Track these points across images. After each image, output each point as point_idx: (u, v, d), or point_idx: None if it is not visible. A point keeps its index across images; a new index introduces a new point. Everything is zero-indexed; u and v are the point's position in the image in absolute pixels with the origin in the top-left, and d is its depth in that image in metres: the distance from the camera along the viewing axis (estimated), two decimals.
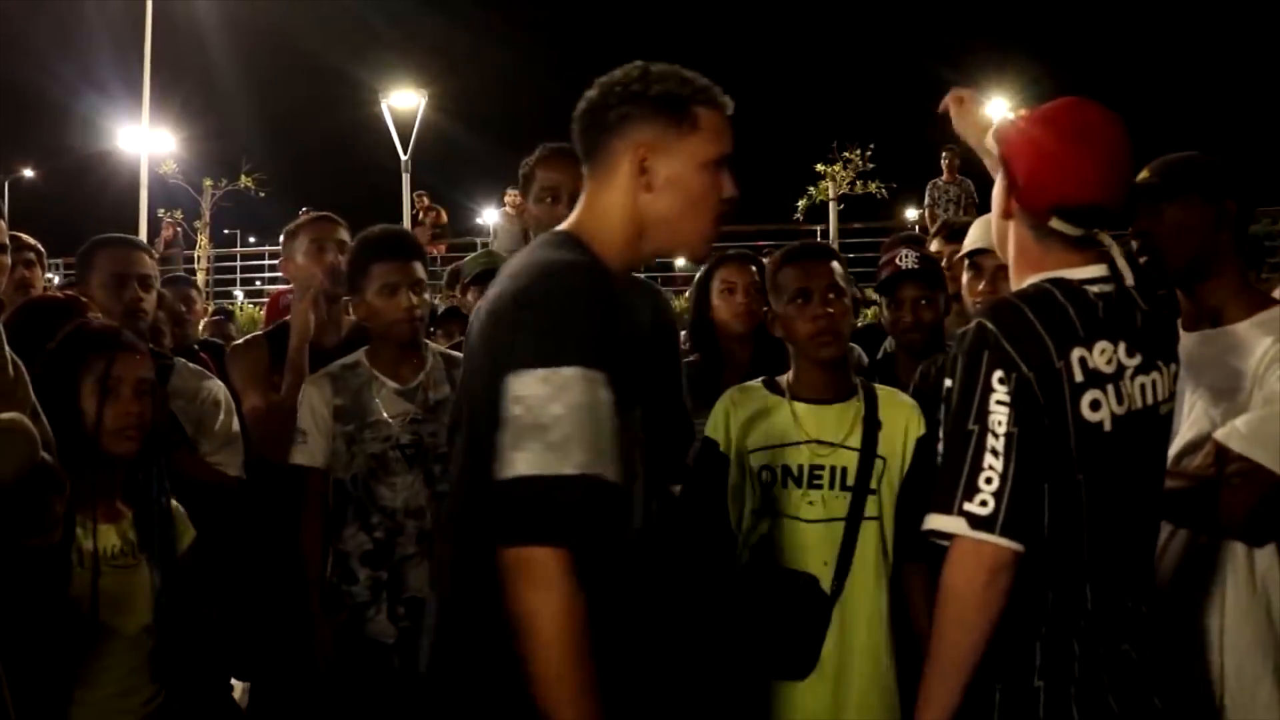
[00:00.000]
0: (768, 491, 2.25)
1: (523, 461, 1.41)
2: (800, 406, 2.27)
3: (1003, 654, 1.55)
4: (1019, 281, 1.69)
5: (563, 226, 1.69)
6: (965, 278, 2.67)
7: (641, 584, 1.62)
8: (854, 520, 2.22)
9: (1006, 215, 1.70)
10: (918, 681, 2.22)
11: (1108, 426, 1.55)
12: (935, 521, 1.54)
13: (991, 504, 1.48)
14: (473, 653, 1.53)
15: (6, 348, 1.87)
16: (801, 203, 18.02)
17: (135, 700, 2.11)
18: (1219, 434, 1.93)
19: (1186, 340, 2.08)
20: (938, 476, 1.56)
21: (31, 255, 3.11)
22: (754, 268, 3.04)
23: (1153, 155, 2.17)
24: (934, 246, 3.34)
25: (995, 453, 1.49)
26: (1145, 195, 2.08)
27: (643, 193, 1.63)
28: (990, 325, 1.54)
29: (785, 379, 2.35)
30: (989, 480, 1.48)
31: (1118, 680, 1.58)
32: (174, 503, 2.32)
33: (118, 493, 2.18)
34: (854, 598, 2.20)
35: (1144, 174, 2.12)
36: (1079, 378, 1.54)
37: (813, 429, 2.26)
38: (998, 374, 1.51)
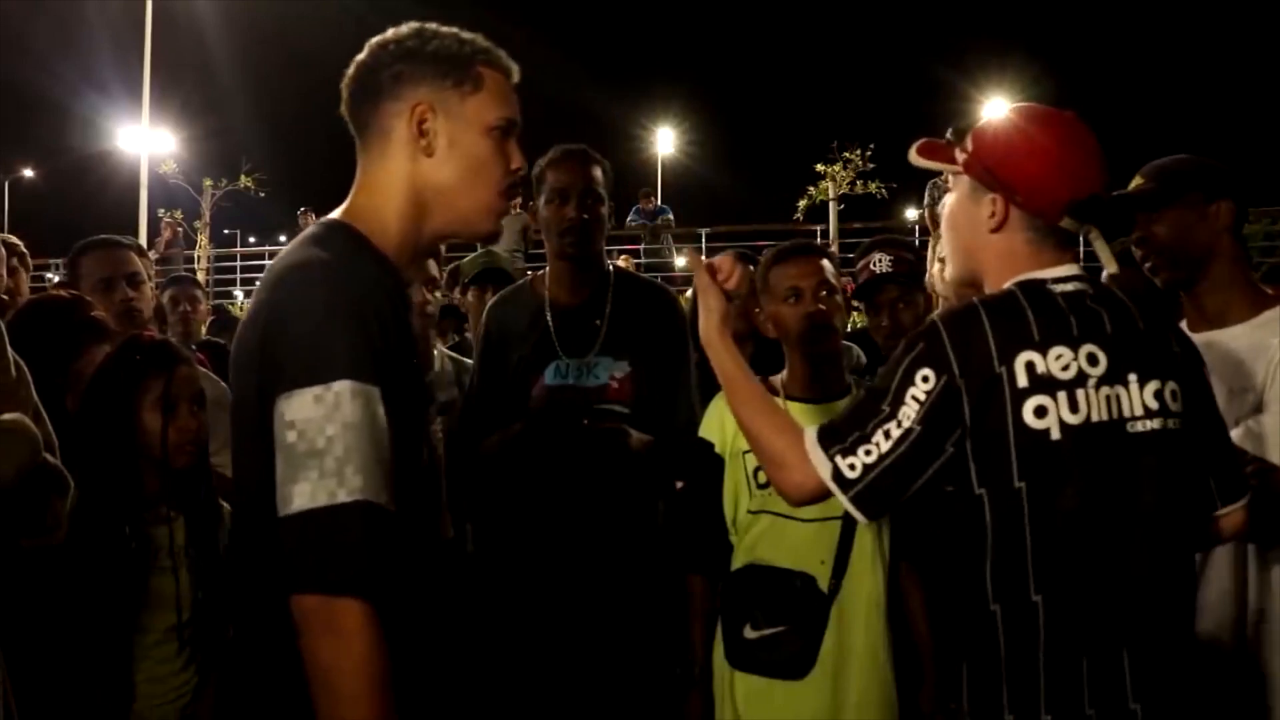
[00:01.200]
0: (765, 491, 2.26)
1: (300, 494, 1.30)
2: (795, 406, 2.28)
3: (974, 672, 1.55)
4: (999, 285, 1.62)
5: (334, 214, 1.54)
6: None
7: (438, 609, 1.55)
8: (850, 519, 2.22)
9: (998, 227, 1.61)
10: (915, 679, 2.25)
11: (1055, 435, 1.48)
12: (808, 440, 1.56)
13: (859, 471, 1.51)
14: (265, 704, 1.44)
15: (9, 349, 1.88)
16: (801, 203, 18.03)
17: (164, 689, 2.14)
18: (1232, 435, 1.89)
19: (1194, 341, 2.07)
20: (831, 423, 1.58)
21: (15, 262, 3.11)
22: (752, 268, 3.04)
23: (1152, 155, 2.17)
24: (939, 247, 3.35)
25: (888, 435, 1.49)
26: (1143, 202, 2.08)
27: (423, 158, 1.50)
28: (939, 324, 1.53)
29: (779, 379, 2.35)
30: (869, 452, 1.50)
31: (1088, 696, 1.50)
32: (222, 503, 2.34)
33: (165, 498, 2.22)
34: (851, 596, 2.20)
35: (1138, 181, 2.11)
36: (1022, 382, 1.48)
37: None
38: (924, 371, 1.50)
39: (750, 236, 13.90)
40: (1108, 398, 1.50)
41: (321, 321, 1.34)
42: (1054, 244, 1.61)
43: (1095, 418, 1.49)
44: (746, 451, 2.29)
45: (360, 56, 1.54)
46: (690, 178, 39.17)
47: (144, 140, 20.13)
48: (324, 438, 1.30)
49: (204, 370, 2.93)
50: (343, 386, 1.31)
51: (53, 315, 2.40)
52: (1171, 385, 1.56)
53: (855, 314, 5.77)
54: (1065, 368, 1.49)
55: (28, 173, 38.26)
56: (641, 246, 16.41)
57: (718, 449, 2.33)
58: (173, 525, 2.18)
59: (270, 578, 1.36)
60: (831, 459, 1.53)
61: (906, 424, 1.49)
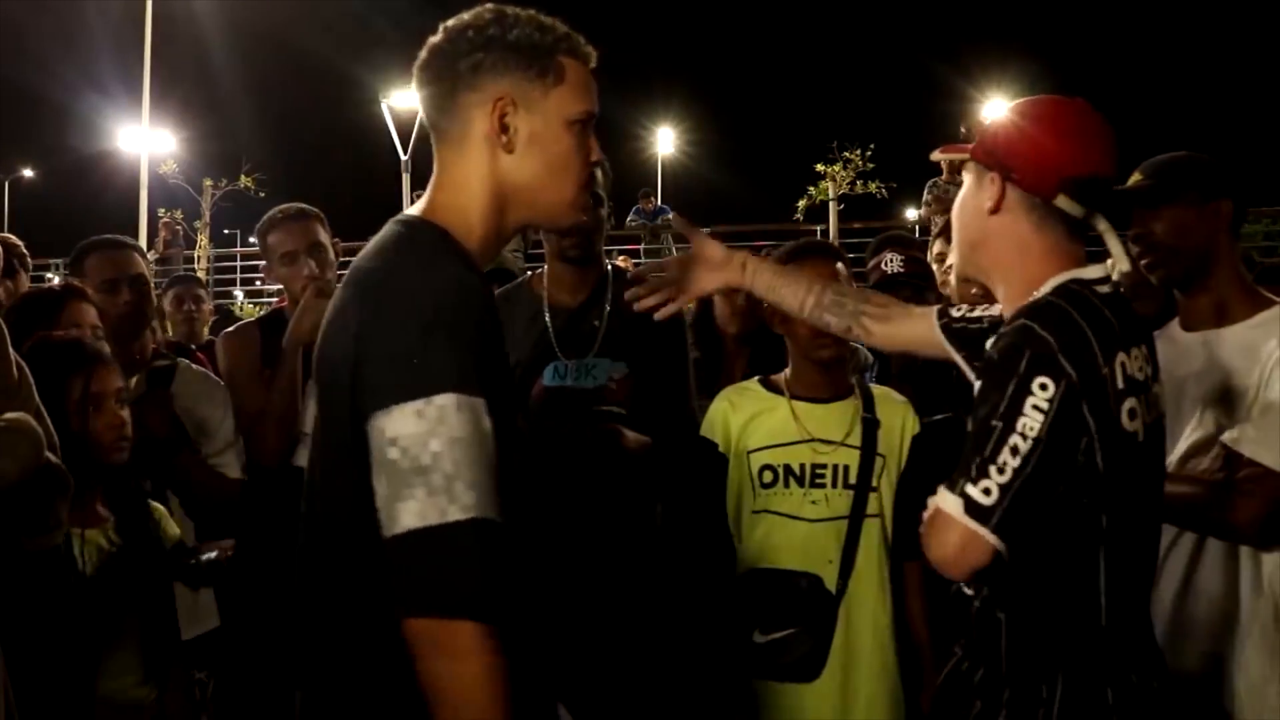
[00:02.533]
0: (769, 491, 2.26)
1: (408, 512, 1.25)
2: (799, 405, 2.28)
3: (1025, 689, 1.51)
4: (1020, 282, 1.56)
5: (415, 211, 1.48)
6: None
7: (551, 609, 1.50)
8: (857, 518, 2.22)
9: (996, 209, 1.57)
10: (922, 678, 2.25)
11: (1141, 436, 1.47)
12: (936, 499, 1.44)
13: (995, 495, 1.38)
14: None
15: (11, 350, 1.88)
16: (801, 203, 18.04)
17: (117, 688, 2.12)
18: (1227, 437, 1.92)
19: (1188, 341, 2.07)
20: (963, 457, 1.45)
21: (14, 263, 3.11)
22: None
23: (1152, 155, 2.15)
24: (937, 247, 3.35)
25: (1015, 451, 1.38)
26: (1141, 199, 2.06)
27: (503, 154, 1.43)
28: (1036, 327, 1.42)
29: (783, 378, 2.35)
30: (1000, 471, 1.38)
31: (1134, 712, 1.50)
32: (156, 505, 2.34)
33: (98, 498, 2.20)
34: (859, 596, 2.21)
35: (1136, 177, 2.09)
36: (1120, 385, 1.44)
37: (813, 428, 2.26)
38: (1040, 379, 1.39)
39: (750, 236, 13.88)
40: (1156, 395, 1.54)
41: (419, 334, 1.28)
42: (1064, 232, 1.55)
43: (1152, 416, 1.51)
44: (750, 451, 2.29)
45: (435, 40, 1.46)
46: (690, 178, 39.15)
47: (144, 140, 20.12)
48: (429, 454, 1.25)
49: (203, 370, 2.94)
50: (446, 400, 1.26)
51: (45, 308, 2.42)
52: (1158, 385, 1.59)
53: None
54: (1140, 369, 1.48)
55: (28, 173, 38.27)
56: (641, 246, 16.41)
57: (720, 448, 2.33)
58: (103, 525, 2.17)
59: (367, 599, 1.32)
60: (960, 493, 1.39)
61: (1032, 435, 1.38)
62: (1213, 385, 2.01)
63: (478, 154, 1.44)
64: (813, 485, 2.23)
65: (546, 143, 1.44)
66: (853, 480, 2.23)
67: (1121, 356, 1.45)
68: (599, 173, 2.61)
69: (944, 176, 11.93)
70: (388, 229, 1.46)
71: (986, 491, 1.38)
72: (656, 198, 17.93)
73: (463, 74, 1.43)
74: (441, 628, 1.25)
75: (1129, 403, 1.45)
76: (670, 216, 17.17)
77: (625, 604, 2.48)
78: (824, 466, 2.24)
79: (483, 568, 1.25)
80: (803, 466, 2.24)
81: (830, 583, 2.19)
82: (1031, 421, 1.38)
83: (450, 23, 1.46)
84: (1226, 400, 1.98)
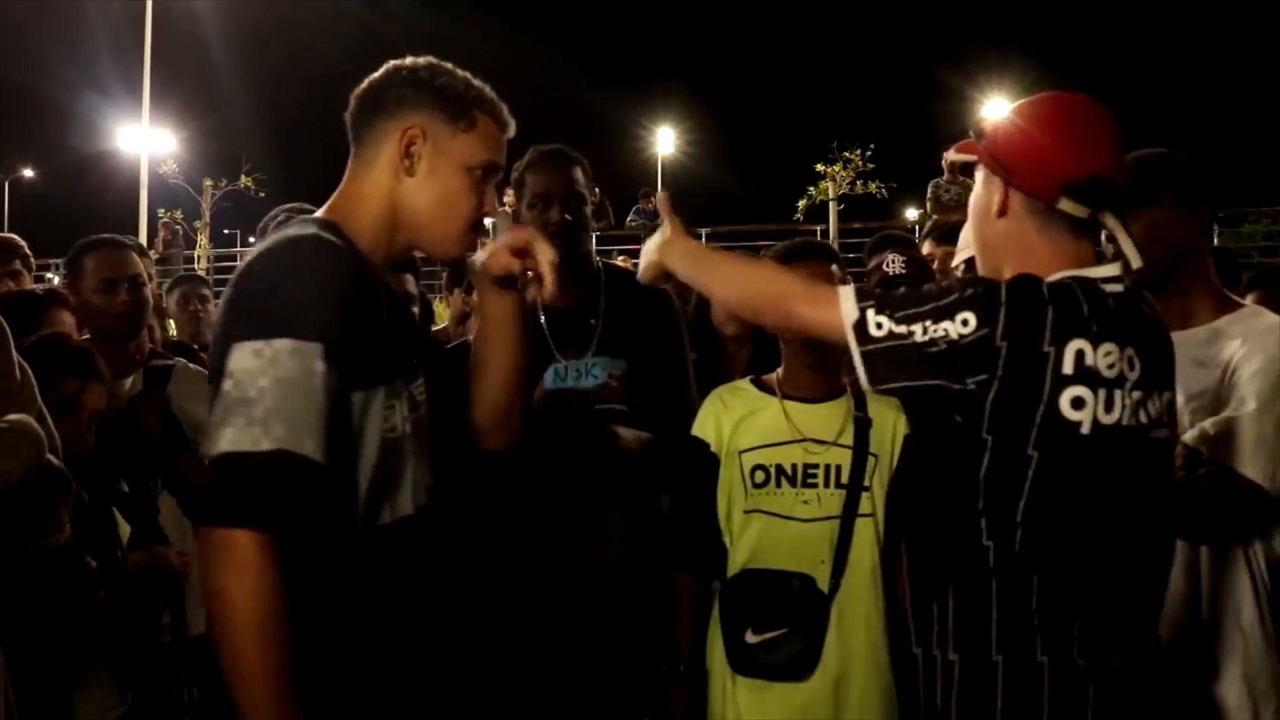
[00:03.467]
0: (761, 491, 2.26)
1: (226, 439, 1.39)
2: (791, 405, 2.28)
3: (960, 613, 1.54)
4: None
5: (319, 212, 1.66)
6: None
7: (405, 576, 1.59)
8: (849, 518, 2.22)
9: (1002, 212, 1.61)
10: (914, 677, 2.25)
11: (1085, 429, 1.48)
12: (844, 294, 1.54)
13: (884, 332, 1.49)
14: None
15: (14, 352, 1.89)
16: (801, 203, 18.08)
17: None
18: (1188, 437, 1.92)
19: None
20: (869, 288, 1.59)
21: (17, 264, 3.11)
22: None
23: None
24: (925, 249, 3.35)
25: (924, 330, 1.48)
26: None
27: (404, 177, 1.61)
28: (1003, 285, 1.51)
29: (774, 377, 2.35)
30: (899, 324, 1.49)
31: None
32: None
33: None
34: (851, 596, 2.21)
35: None
36: (1068, 369, 1.47)
37: (805, 427, 2.27)
38: (965, 314, 1.47)
39: (750, 236, 13.90)
40: (1138, 403, 1.52)
41: (274, 281, 1.46)
42: (1070, 234, 1.58)
43: (1125, 421, 1.51)
44: (742, 450, 2.29)
45: (375, 74, 1.65)
46: (690, 178, 39.13)
47: (144, 140, 20.14)
48: (256, 388, 1.39)
49: (201, 370, 2.94)
50: (283, 344, 1.40)
51: (25, 310, 2.43)
52: (1171, 396, 1.61)
53: None
54: (1111, 365, 1.49)
55: (28, 173, 38.26)
56: (641, 246, 16.42)
57: (712, 448, 2.33)
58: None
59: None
60: (862, 310, 1.52)
61: (935, 337, 1.48)
62: (1180, 386, 2.00)
63: (381, 174, 1.62)
64: (805, 485, 2.24)
65: (443, 178, 1.62)
66: (845, 480, 2.24)
67: (1080, 344, 1.47)
68: (577, 171, 2.60)
69: (945, 177, 11.96)
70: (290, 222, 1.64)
71: (879, 325, 1.50)
72: (656, 198, 17.90)
73: (388, 104, 1.62)
74: (222, 537, 1.37)
75: (1075, 390, 1.47)
76: (656, 196, 17.17)
77: (622, 602, 2.49)
78: (816, 466, 2.24)
79: (279, 490, 1.38)
80: (795, 466, 2.25)
81: (822, 583, 2.20)
82: (943, 330, 1.47)
83: (393, 61, 1.66)
84: (1192, 400, 1.98)
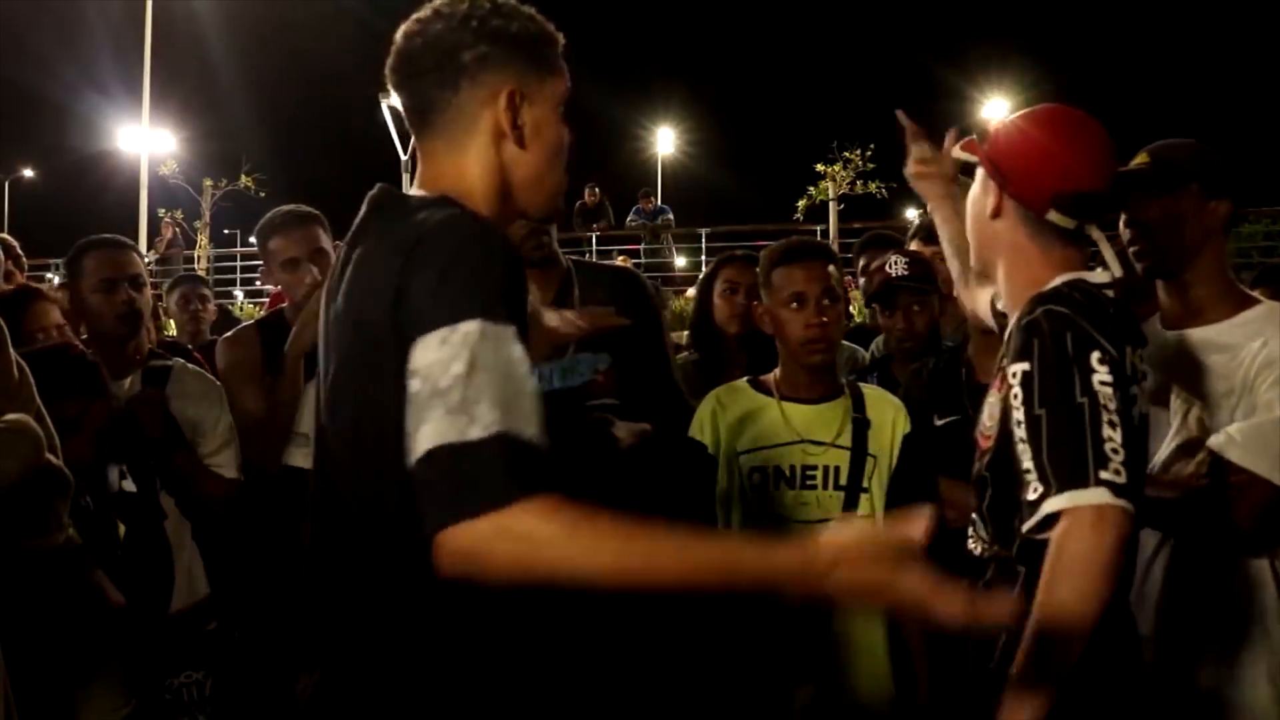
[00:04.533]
0: (759, 493, 2.26)
1: (425, 436, 1.17)
2: (789, 406, 2.28)
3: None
4: (1023, 283, 1.64)
5: (421, 191, 1.45)
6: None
7: None
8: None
9: (995, 214, 1.69)
10: (913, 679, 2.26)
11: (1136, 422, 1.55)
12: (1067, 499, 1.43)
13: (1125, 474, 1.43)
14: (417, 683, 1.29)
15: (12, 351, 1.89)
16: (801, 203, 18.08)
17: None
18: (1213, 443, 1.90)
19: (1169, 339, 2.05)
20: (1036, 457, 1.47)
21: (10, 265, 3.11)
22: (758, 269, 3.04)
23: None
24: (912, 248, 3.36)
25: (1114, 425, 1.44)
26: (1142, 182, 2.02)
27: (511, 146, 1.42)
28: (1064, 310, 1.51)
29: (772, 378, 2.35)
30: (1115, 451, 1.44)
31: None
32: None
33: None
34: None
35: (1141, 158, 2.05)
36: (1128, 371, 1.54)
37: (803, 428, 2.27)
38: (1095, 355, 1.47)
39: (750, 236, 13.90)
40: (1146, 391, 1.61)
41: (444, 270, 1.24)
42: (1059, 240, 1.64)
43: (1144, 412, 1.59)
44: (740, 452, 2.28)
45: (427, 24, 1.41)
46: (690, 178, 39.11)
47: (144, 140, 20.14)
48: (449, 376, 1.18)
49: (199, 370, 2.94)
50: (471, 326, 1.20)
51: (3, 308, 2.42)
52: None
53: (853, 311, 5.75)
54: (1135, 365, 1.56)
55: (28, 173, 38.25)
56: (641, 246, 16.42)
57: (710, 450, 2.31)
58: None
59: (399, 554, 1.25)
60: (1099, 482, 1.43)
61: (1114, 406, 1.45)
62: (1195, 387, 2.00)
63: (483, 146, 1.42)
64: (804, 487, 2.24)
65: (547, 133, 1.44)
66: (843, 481, 2.24)
67: (1127, 348, 1.55)
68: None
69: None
70: (409, 205, 1.41)
71: (1118, 473, 1.43)
72: (656, 198, 17.95)
73: (467, 66, 1.39)
74: (466, 531, 1.14)
75: (1133, 389, 1.55)
76: (670, 217, 17.19)
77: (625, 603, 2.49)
78: (814, 468, 2.24)
79: (510, 467, 1.15)
80: (793, 468, 2.25)
81: None
82: (1107, 392, 1.46)
83: (443, 10, 1.41)
84: (1209, 403, 1.97)
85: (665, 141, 36.84)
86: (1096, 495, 1.42)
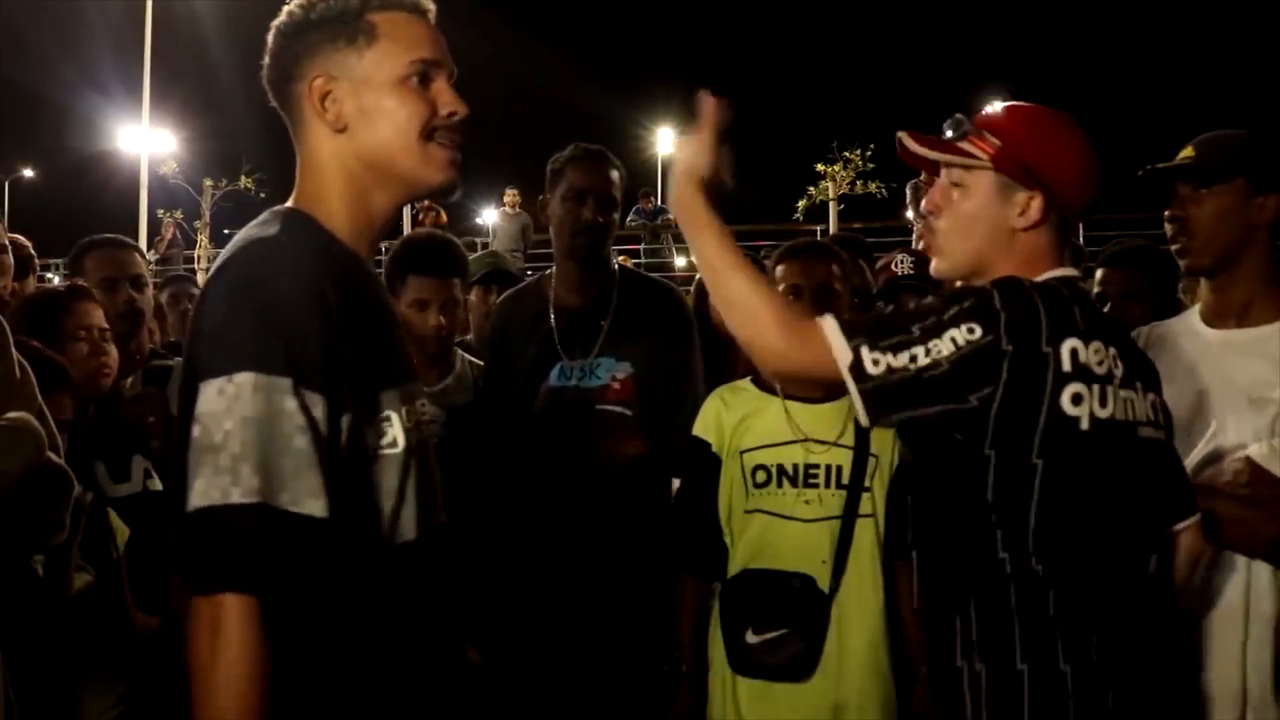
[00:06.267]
0: (762, 491, 2.26)
1: (197, 492, 1.22)
2: (793, 405, 2.28)
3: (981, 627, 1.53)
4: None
5: (288, 201, 1.45)
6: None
7: (415, 606, 1.40)
8: (850, 518, 2.23)
9: (1033, 223, 1.57)
10: (914, 678, 2.25)
11: (1085, 425, 1.49)
12: (831, 332, 1.47)
13: (882, 369, 1.44)
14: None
15: (13, 349, 1.89)
16: (801, 203, 18.05)
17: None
18: (1255, 453, 1.84)
19: (1211, 338, 1.99)
20: (851, 319, 1.51)
21: (9, 260, 3.10)
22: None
23: (1156, 155, 2.05)
24: (920, 247, 3.36)
25: (914, 359, 1.44)
26: (1188, 175, 1.96)
27: (336, 134, 1.39)
28: (993, 290, 1.49)
29: None
30: (896, 357, 1.43)
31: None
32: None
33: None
34: (851, 596, 2.21)
35: (1187, 151, 1.99)
36: (1066, 367, 1.47)
37: (807, 427, 2.27)
38: (971, 324, 1.45)
39: (750, 236, 13.88)
40: (1125, 400, 1.53)
41: (229, 309, 1.26)
42: (1065, 243, 1.62)
43: (1118, 416, 1.52)
44: (743, 450, 2.29)
45: (269, 44, 1.44)
46: None
47: (144, 140, 20.15)
48: (221, 432, 1.22)
49: None
50: (245, 378, 1.22)
51: (49, 310, 2.40)
52: (1157, 398, 1.61)
53: None
54: (1100, 362, 1.50)
55: (28, 173, 38.26)
56: (641, 246, 16.42)
57: (714, 448, 2.33)
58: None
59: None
60: (855, 348, 1.45)
61: (936, 358, 1.44)
62: (1235, 391, 1.92)
63: (316, 141, 1.41)
64: (806, 485, 2.24)
65: (376, 108, 1.38)
66: (846, 480, 2.24)
67: (1074, 342, 1.48)
68: (615, 174, 2.63)
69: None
70: (258, 218, 1.43)
71: (875, 363, 1.44)
72: (656, 198, 17.92)
73: (288, 66, 1.41)
74: (202, 601, 1.22)
75: (1075, 386, 1.48)
76: (670, 217, 17.19)
77: (626, 603, 2.49)
78: (817, 466, 2.24)
79: (254, 548, 1.21)
80: (796, 466, 2.25)
81: (823, 583, 2.20)
82: (943, 346, 1.44)
83: (271, 26, 1.44)
84: (1251, 409, 1.90)
85: (665, 141, 36.84)
86: (842, 352, 1.47)
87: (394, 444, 1.36)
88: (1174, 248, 2.01)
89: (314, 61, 1.39)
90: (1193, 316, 2.06)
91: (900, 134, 1.66)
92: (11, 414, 1.78)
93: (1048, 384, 1.47)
